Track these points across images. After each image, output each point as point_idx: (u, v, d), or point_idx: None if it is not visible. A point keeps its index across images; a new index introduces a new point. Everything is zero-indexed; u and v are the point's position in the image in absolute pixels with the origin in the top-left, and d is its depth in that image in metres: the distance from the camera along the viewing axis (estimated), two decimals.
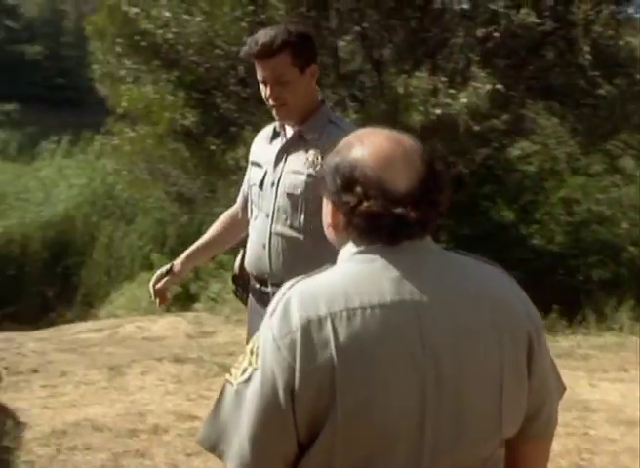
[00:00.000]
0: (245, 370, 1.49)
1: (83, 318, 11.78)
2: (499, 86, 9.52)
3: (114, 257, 15.25)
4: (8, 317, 12.19)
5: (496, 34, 9.85)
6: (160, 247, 15.13)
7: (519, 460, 1.67)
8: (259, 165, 3.03)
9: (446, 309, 1.50)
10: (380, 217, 1.49)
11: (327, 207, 1.62)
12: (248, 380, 1.48)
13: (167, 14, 10.66)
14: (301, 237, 2.85)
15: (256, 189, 3.01)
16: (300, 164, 2.88)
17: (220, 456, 1.52)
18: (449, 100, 9.16)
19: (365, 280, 1.49)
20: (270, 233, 2.91)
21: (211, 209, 12.03)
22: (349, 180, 1.52)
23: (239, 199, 3.27)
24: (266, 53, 2.82)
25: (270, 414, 1.45)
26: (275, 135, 3.03)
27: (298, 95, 2.87)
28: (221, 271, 12.21)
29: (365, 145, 1.56)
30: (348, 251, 1.56)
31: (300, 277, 1.55)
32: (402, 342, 1.46)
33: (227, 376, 1.54)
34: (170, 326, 8.94)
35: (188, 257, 3.28)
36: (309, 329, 1.44)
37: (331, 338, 1.43)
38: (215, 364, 6.69)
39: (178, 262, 3.27)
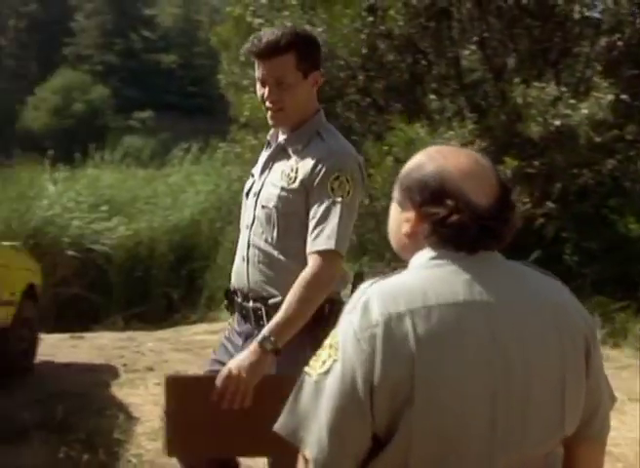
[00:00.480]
0: (324, 362, 1.58)
1: (205, 320, 12.10)
2: (623, 96, 9.31)
3: None
4: (136, 317, 12.60)
5: (620, 43, 9.62)
6: None
7: (574, 462, 1.75)
8: (252, 174, 2.88)
9: (513, 311, 1.61)
10: (467, 229, 1.61)
11: (402, 215, 1.72)
12: (327, 372, 1.57)
13: (289, 25, 10.86)
14: (275, 252, 2.67)
15: (244, 199, 2.87)
16: (278, 177, 2.71)
17: (299, 443, 1.61)
18: (569, 111, 9.01)
19: (440, 281, 1.60)
20: (248, 245, 2.75)
21: None
22: (439, 193, 1.63)
23: None
24: (271, 51, 2.66)
25: (349, 404, 1.54)
26: (268, 143, 2.89)
27: (297, 100, 2.71)
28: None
29: (449, 161, 1.68)
30: (424, 256, 1.67)
31: (376, 278, 1.66)
32: (475, 339, 1.56)
33: (306, 368, 1.62)
34: None
35: None
36: (390, 324, 1.54)
37: (410, 333, 1.53)
38: None
39: None
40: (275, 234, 2.66)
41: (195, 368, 6.73)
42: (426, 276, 1.61)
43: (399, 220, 1.73)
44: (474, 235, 1.62)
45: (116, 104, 51.25)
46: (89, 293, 12.79)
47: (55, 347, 8.15)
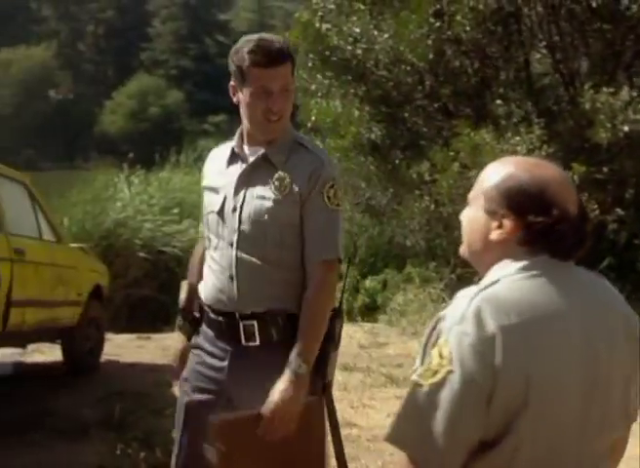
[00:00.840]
0: (436, 373, 1.61)
1: None
2: None
3: None
4: None
5: None
6: (351, 258, 15.39)
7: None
8: (215, 190, 2.75)
9: (599, 317, 1.72)
10: (567, 238, 1.71)
11: (490, 222, 1.76)
12: (442, 382, 1.60)
13: (357, 30, 10.93)
14: (270, 266, 2.62)
15: (214, 217, 2.72)
16: (265, 189, 2.64)
17: (414, 452, 1.65)
18: (639, 116, 8.85)
19: (541, 291, 1.67)
20: (236, 263, 2.63)
21: (401, 221, 12.18)
22: (543, 202, 1.70)
23: (203, 230, 2.92)
24: (281, 59, 2.60)
25: (468, 414, 1.60)
26: (234, 156, 2.76)
27: (290, 109, 2.68)
28: (407, 285, 12.27)
29: (542, 170, 1.76)
30: (517, 264, 1.71)
31: (473, 287, 1.70)
32: (575, 346, 1.66)
33: (415, 378, 1.65)
34: (345, 335, 8.95)
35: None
36: (505, 335, 1.60)
37: (524, 344, 1.61)
38: (382, 374, 6.81)
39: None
40: (269, 247, 2.62)
41: None
42: (529, 287, 1.67)
43: (485, 227, 1.77)
44: (570, 244, 1.72)
45: (190, 108, 51.98)
46: (160, 295, 13.00)
47: (121, 347, 8.34)
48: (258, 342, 2.61)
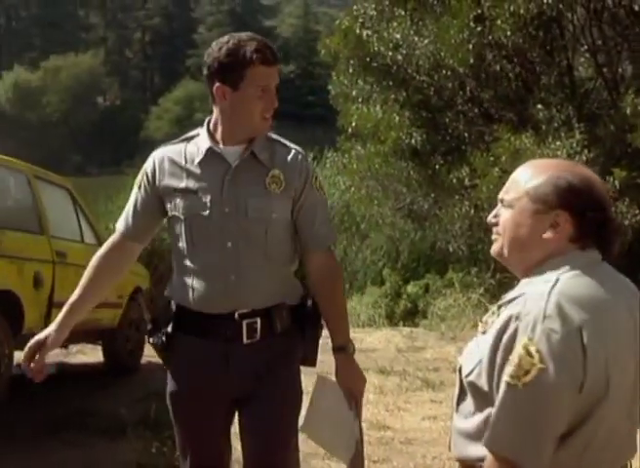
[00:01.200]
0: (528, 372, 1.65)
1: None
2: None
3: (348, 271, 15.59)
4: None
5: None
6: (393, 263, 15.37)
7: None
8: (192, 192, 2.65)
9: (635, 303, 1.82)
10: (616, 232, 1.84)
11: (541, 221, 1.81)
12: (537, 379, 1.65)
13: (397, 36, 10.97)
14: (271, 263, 2.66)
15: (201, 219, 2.64)
16: (260, 187, 2.64)
17: (515, 455, 1.69)
18: None
19: (601, 284, 1.77)
20: (239, 262, 2.61)
21: (442, 226, 12.18)
22: (596, 199, 1.79)
23: (122, 229, 2.79)
24: (276, 58, 2.63)
25: (564, 406, 1.67)
26: (211, 156, 2.67)
27: None
28: (448, 290, 12.26)
29: (582, 170, 1.85)
30: (566, 262, 1.79)
31: (538, 281, 1.77)
32: (630, 332, 1.77)
33: (507, 379, 1.68)
34: (383, 339, 9.18)
35: (64, 323, 2.68)
36: (589, 329, 1.68)
37: (602, 335, 1.69)
38: (418, 378, 6.83)
39: (52, 332, 2.67)
40: (269, 244, 2.65)
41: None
42: (589, 282, 1.76)
43: (535, 227, 1.82)
44: (617, 238, 1.83)
45: None
46: None
47: None
48: (258, 338, 2.64)
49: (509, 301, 1.77)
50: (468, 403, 1.82)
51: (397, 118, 11.11)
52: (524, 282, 1.82)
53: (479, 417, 1.78)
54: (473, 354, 1.80)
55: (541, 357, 1.65)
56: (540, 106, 10.25)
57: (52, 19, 64.61)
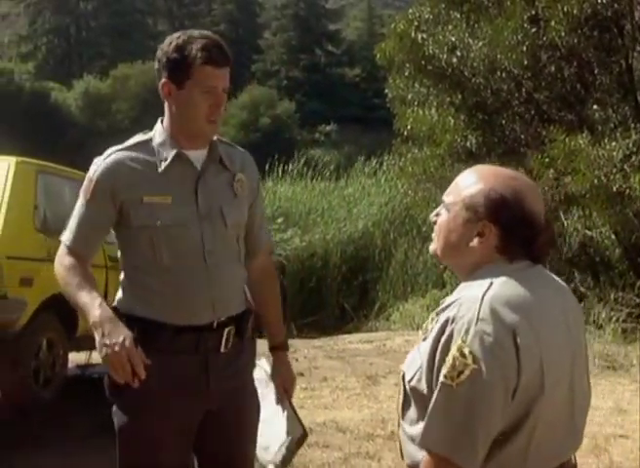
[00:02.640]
0: (461, 372, 1.71)
1: (359, 330, 12.32)
2: None
3: (409, 274, 15.57)
4: (310, 326, 12.94)
5: None
6: None
7: None
8: (164, 200, 2.51)
9: (568, 305, 1.92)
10: (545, 246, 1.88)
11: (470, 230, 1.87)
12: (470, 380, 1.71)
13: (452, 38, 10.98)
14: (238, 268, 2.64)
15: (176, 229, 2.51)
16: (229, 192, 2.59)
17: (452, 455, 1.73)
18: None
19: (531, 287, 1.82)
20: (219, 270, 2.54)
21: None
22: (522, 215, 1.83)
23: (70, 244, 2.58)
24: (229, 60, 2.56)
25: (498, 406, 1.72)
26: (179, 161, 2.55)
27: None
28: None
29: (519, 183, 1.88)
30: (499, 269, 1.84)
31: (472, 286, 1.82)
32: (562, 332, 1.84)
33: (442, 379, 1.73)
34: (403, 342, 9.11)
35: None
36: (522, 329, 1.74)
37: (534, 335, 1.75)
38: None
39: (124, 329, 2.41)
40: (240, 249, 2.63)
41: (343, 375, 6.99)
42: (523, 287, 1.80)
43: (464, 234, 1.88)
44: (547, 250, 1.90)
45: (301, 118, 52.50)
46: None
47: None
48: (230, 345, 2.59)
49: (447, 306, 1.81)
50: (413, 410, 1.84)
51: (452, 121, 11.13)
52: (461, 287, 1.87)
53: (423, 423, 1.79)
54: (415, 360, 1.84)
55: (475, 358, 1.70)
56: (596, 107, 10.17)
57: (120, 28, 65.62)
